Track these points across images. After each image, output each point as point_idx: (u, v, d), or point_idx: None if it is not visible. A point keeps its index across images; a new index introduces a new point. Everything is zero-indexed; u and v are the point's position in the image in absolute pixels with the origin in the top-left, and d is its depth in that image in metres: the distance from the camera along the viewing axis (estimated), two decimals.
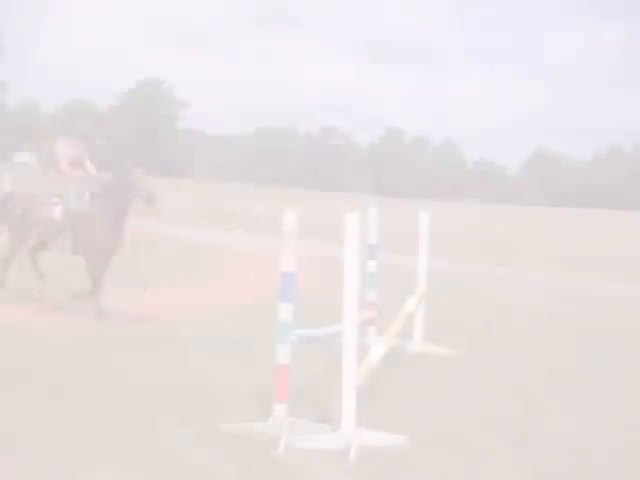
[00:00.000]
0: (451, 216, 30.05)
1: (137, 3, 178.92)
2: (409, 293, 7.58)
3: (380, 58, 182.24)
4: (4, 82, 76.91)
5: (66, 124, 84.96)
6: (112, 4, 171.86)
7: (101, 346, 6.51)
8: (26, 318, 7.36)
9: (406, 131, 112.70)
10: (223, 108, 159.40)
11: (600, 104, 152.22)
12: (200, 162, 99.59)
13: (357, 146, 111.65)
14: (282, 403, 4.50)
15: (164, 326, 7.38)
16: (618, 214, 50.93)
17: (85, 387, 5.16)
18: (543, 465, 4.35)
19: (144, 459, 4.05)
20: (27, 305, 8.05)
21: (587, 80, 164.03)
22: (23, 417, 4.53)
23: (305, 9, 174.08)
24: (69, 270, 8.89)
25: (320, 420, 4.71)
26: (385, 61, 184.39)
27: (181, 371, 5.84)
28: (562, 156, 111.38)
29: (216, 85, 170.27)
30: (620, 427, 5.19)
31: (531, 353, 7.71)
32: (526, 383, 6.31)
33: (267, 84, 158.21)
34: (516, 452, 4.56)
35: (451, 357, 7.11)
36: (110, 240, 7.61)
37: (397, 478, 4.03)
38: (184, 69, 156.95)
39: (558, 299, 12.38)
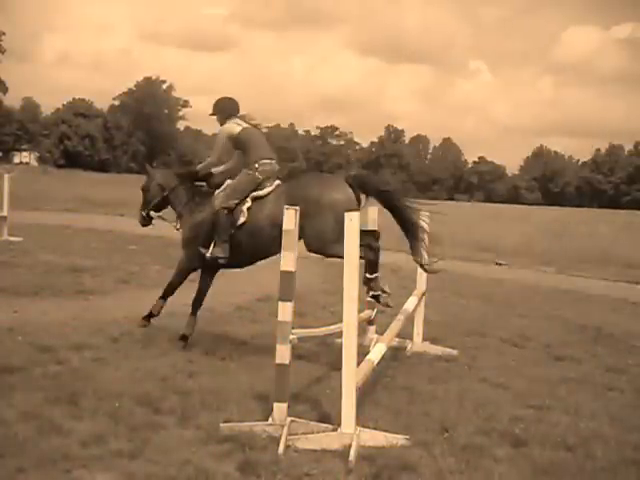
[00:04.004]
0: (450, 216, 30.01)
1: (137, 3, 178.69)
2: (409, 293, 7.57)
3: (382, 59, 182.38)
4: (4, 82, 76.62)
5: (66, 124, 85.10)
6: (112, 4, 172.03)
7: (99, 345, 6.51)
8: None
9: (406, 131, 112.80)
10: None
11: (600, 104, 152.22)
12: (200, 162, 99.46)
13: (357, 146, 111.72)
14: (282, 403, 4.50)
15: (162, 324, 7.37)
16: (618, 214, 50.88)
17: (84, 387, 5.16)
18: (543, 465, 4.34)
19: (144, 459, 4.04)
20: None
21: (588, 80, 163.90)
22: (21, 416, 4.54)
23: (307, 10, 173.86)
24: None
25: (320, 420, 4.70)
26: (387, 61, 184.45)
27: (180, 370, 5.84)
28: (562, 156, 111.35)
29: (216, 85, 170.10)
30: (621, 428, 5.18)
31: (531, 353, 7.70)
32: (526, 383, 6.30)
33: (268, 84, 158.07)
34: (516, 452, 4.55)
35: (451, 357, 7.10)
36: None
37: (397, 478, 4.03)
38: (184, 69, 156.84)
39: (558, 299, 12.37)
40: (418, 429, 4.75)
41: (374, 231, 6.41)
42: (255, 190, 6.43)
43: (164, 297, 6.85)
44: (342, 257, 5.97)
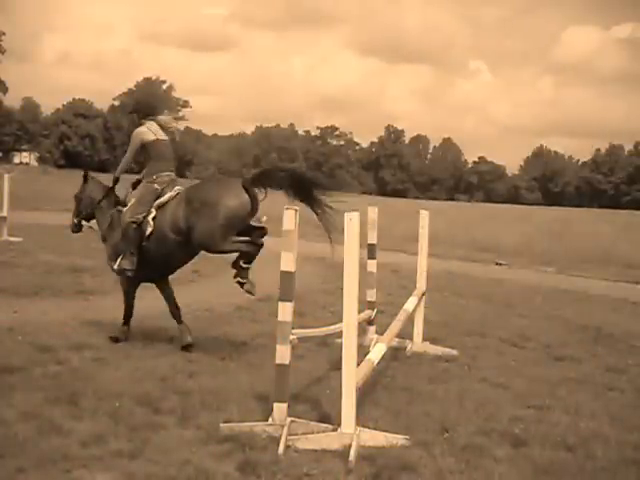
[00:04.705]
0: (450, 216, 30.02)
1: (137, 3, 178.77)
2: (409, 293, 7.57)
3: (382, 59, 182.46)
4: (4, 82, 76.57)
5: (66, 124, 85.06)
6: (112, 4, 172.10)
7: (99, 345, 6.51)
8: None
9: (406, 131, 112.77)
10: (223, 108, 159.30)
11: (600, 104, 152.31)
12: (200, 162, 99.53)
13: (357, 146, 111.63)
14: (282, 403, 4.50)
15: (161, 325, 7.37)
16: (618, 214, 50.87)
17: (84, 387, 5.15)
18: (543, 465, 4.34)
19: (144, 459, 4.04)
20: None
21: (588, 80, 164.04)
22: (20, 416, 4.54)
23: (307, 9, 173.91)
24: None
25: (320, 420, 4.70)
26: (387, 61, 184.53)
27: (180, 370, 5.84)
28: (562, 156, 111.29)
29: (216, 85, 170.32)
30: (621, 428, 5.18)
31: (531, 353, 7.70)
32: (526, 383, 6.30)
33: (268, 84, 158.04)
34: (516, 452, 4.55)
35: (451, 357, 7.10)
36: None
37: (397, 478, 4.03)
38: (184, 69, 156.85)
39: (558, 299, 12.37)
40: (418, 429, 4.75)
41: (262, 227, 6.59)
42: (158, 199, 6.69)
43: (126, 322, 6.89)
44: (226, 252, 6.48)
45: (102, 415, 4.64)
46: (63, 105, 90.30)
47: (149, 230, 6.60)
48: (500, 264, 18.21)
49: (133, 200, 6.82)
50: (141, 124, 7.02)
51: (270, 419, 4.52)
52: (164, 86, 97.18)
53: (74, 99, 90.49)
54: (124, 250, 6.64)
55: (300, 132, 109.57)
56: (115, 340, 6.73)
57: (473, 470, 4.19)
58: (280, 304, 4.51)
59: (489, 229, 25.39)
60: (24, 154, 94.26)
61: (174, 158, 7.07)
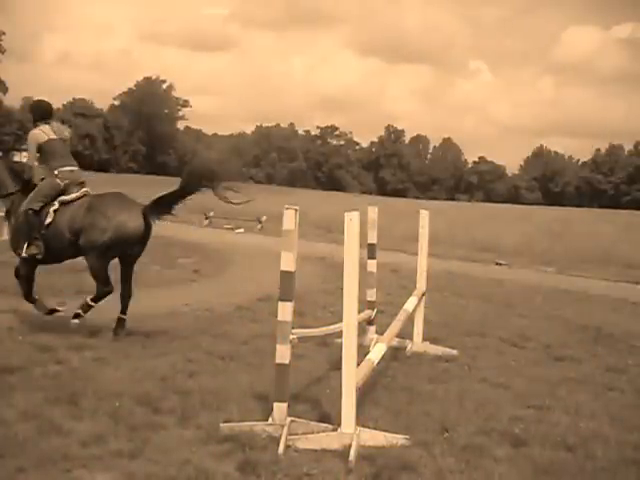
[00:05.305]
0: (450, 216, 30.02)
1: (137, 3, 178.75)
2: (409, 293, 7.57)
3: (382, 59, 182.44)
4: (4, 82, 76.58)
5: (66, 124, 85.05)
6: (112, 4, 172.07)
7: (99, 345, 6.51)
8: None
9: (406, 131, 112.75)
10: (223, 108, 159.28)
11: (600, 104, 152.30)
12: None
13: (357, 146, 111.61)
14: (282, 403, 4.50)
15: (161, 325, 7.37)
16: (618, 214, 50.83)
17: (84, 387, 5.15)
18: (543, 465, 4.34)
19: (144, 459, 4.04)
20: None
21: (588, 80, 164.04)
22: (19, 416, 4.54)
23: (307, 9, 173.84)
24: None
25: (320, 420, 4.70)
26: (387, 61, 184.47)
27: (180, 370, 5.83)
28: (562, 156, 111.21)
29: (216, 85, 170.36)
30: (621, 428, 5.18)
31: (531, 353, 7.70)
32: (526, 383, 6.30)
33: (268, 84, 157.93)
34: (516, 452, 4.55)
35: (451, 357, 7.10)
36: None
37: (397, 478, 4.03)
38: (184, 69, 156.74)
39: (558, 299, 12.37)
40: (418, 429, 4.75)
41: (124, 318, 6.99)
42: (63, 194, 7.08)
43: (31, 299, 7.23)
44: (92, 269, 6.88)
45: (102, 415, 4.64)
46: (63, 105, 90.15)
47: (48, 220, 6.99)
48: (500, 264, 18.23)
49: (34, 191, 7.16)
50: (36, 126, 7.31)
51: (270, 419, 4.52)
52: (164, 86, 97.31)
53: (74, 99, 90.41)
54: (28, 237, 6.98)
55: (300, 132, 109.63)
56: (49, 312, 7.12)
57: (473, 470, 4.19)
58: (280, 304, 4.51)
59: (489, 229, 25.40)
60: (24, 154, 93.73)
61: (71, 153, 7.39)
